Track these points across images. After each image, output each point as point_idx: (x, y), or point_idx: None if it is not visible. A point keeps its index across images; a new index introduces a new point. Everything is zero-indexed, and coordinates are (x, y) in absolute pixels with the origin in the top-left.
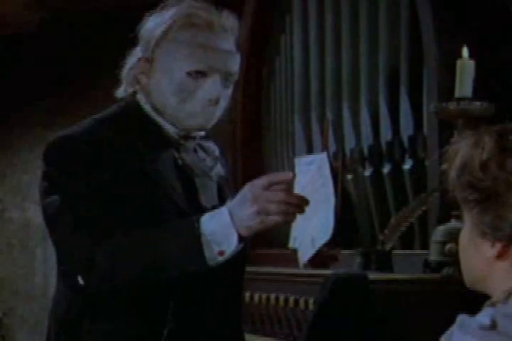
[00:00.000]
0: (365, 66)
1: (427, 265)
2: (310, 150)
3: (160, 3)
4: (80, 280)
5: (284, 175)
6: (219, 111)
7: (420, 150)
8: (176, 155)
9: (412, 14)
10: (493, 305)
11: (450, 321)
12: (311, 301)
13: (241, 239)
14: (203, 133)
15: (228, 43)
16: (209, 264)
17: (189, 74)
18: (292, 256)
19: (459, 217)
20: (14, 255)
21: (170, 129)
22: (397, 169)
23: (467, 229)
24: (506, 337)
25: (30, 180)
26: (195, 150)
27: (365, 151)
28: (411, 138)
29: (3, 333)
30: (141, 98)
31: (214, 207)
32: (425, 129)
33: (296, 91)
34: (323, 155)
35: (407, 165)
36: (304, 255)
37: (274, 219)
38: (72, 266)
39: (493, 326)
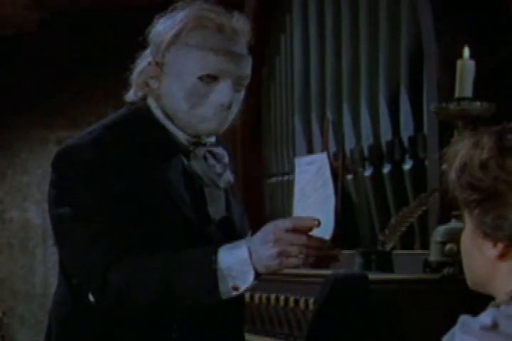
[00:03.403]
0: (365, 66)
1: (427, 265)
2: (310, 151)
3: (159, 3)
4: (91, 298)
5: (309, 221)
6: (231, 116)
7: (420, 151)
8: (186, 163)
9: (412, 14)
10: (496, 306)
11: (450, 321)
12: (311, 301)
13: (257, 276)
14: (213, 139)
15: (240, 46)
16: (222, 298)
17: (200, 78)
18: None
19: (459, 217)
20: (14, 255)
21: (180, 136)
22: (397, 169)
23: (469, 230)
24: (507, 337)
25: (30, 180)
26: (204, 157)
27: (365, 151)
28: (411, 139)
29: (3, 333)
30: (151, 102)
31: (222, 218)
32: (425, 129)
33: (296, 91)
34: (323, 156)
35: (407, 165)
36: None
37: (294, 261)
38: (86, 282)
39: (495, 326)
